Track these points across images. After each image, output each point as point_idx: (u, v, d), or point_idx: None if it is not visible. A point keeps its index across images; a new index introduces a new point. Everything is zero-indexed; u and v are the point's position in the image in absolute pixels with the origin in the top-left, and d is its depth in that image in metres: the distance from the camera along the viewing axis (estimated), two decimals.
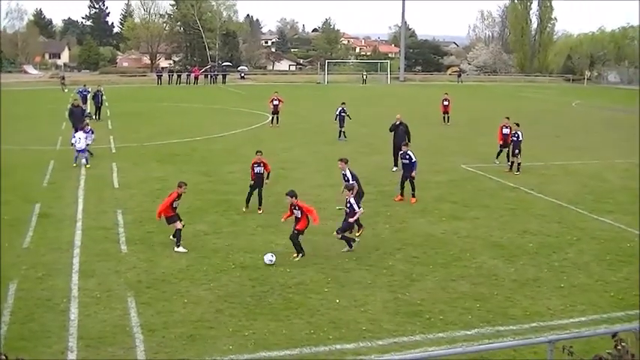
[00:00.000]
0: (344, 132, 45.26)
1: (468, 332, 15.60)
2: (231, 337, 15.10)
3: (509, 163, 34.67)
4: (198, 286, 18.08)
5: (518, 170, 33.83)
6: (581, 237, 23.19)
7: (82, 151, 34.86)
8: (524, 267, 20.10)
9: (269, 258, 19.92)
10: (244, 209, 25.82)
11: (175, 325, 15.67)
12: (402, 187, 28.13)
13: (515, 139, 34.20)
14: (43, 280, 18.39)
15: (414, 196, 27.79)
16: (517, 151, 33.91)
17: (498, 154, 36.38)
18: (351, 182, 22.74)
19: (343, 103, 46.07)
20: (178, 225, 21.16)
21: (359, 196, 22.65)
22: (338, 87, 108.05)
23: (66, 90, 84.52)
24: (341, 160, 24.54)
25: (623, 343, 9.08)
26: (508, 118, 36.57)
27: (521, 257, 20.97)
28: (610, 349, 9.18)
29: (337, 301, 17.29)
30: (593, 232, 23.96)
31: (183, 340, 14.91)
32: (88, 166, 34.52)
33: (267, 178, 26.49)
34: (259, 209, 25.84)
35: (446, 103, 56.00)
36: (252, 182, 26.07)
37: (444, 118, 56.11)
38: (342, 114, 45.46)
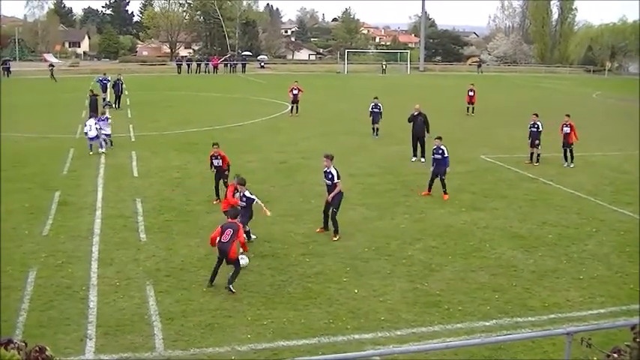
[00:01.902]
0: (377, 129, 42.21)
1: (487, 323, 15.58)
2: (249, 326, 15.14)
3: (530, 155, 34.27)
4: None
5: (537, 161, 33.67)
6: (601, 228, 23.08)
7: (94, 138, 35.09)
8: (543, 258, 20.04)
9: (245, 261, 17.99)
10: (214, 202, 25.48)
11: (194, 314, 15.73)
12: (431, 184, 27.26)
13: (534, 129, 33.90)
14: (62, 268, 18.50)
15: (445, 192, 26.91)
16: (537, 141, 33.67)
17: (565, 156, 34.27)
18: (335, 181, 21.74)
19: (376, 98, 42.70)
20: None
21: (338, 198, 21.88)
22: (358, 77, 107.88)
23: (55, 81, 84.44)
24: (326, 156, 22.29)
25: None
26: (568, 115, 34.46)
27: (540, 248, 20.91)
28: (629, 341, 9.12)
29: (356, 290, 17.30)
30: (612, 223, 23.84)
31: (202, 329, 14.97)
32: (102, 150, 34.97)
33: (228, 170, 25.86)
34: (216, 200, 25.45)
35: (471, 93, 55.57)
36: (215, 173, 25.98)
37: (467, 108, 55.85)
38: (375, 109, 42.20)
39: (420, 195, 27.20)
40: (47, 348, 7.81)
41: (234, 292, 16.99)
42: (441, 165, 26.97)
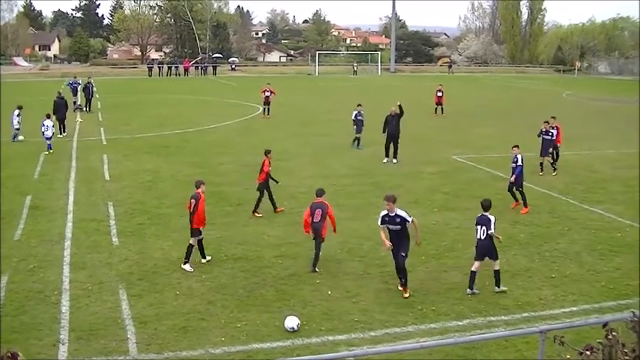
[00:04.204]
0: (359, 139, 38.84)
1: (460, 323, 15.64)
2: (223, 329, 15.11)
3: (540, 164, 32.41)
4: (190, 278, 18.07)
5: (554, 170, 32.35)
6: (572, 227, 23.25)
7: (50, 138, 36.83)
8: (516, 257, 20.15)
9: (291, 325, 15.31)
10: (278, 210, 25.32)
11: (167, 317, 15.67)
12: (513, 194, 26.13)
13: (548, 137, 32.02)
14: (34, 273, 18.36)
15: (525, 205, 25.60)
16: (550, 150, 32.31)
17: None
18: (408, 220, 17.26)
19: (359, 105, 39.83)
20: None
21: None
22: (329, 78, 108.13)
23: None
24: (387, 199, 17.46)
25: (614, 333, 9.09)
26: (554, 117, 33.22)
27: (513, 247, 21.00)
28: (601, 338, 9.20)
29: (329, 292, 17.31)
30: (584, 222, 24.04)
31: (175, 332, 14.91)
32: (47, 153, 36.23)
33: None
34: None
35: (439, 94, 55.73)
36: None
37: (436, 109, 55.98)
38: (359, 117, 39.12)
39: (511, 208, 25.91)
40: (19, 354, 7.76)
41: (317, 272, 18.56)
42: (516, 174, 25.69)
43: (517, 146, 26.15)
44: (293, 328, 15.04)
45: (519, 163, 25.61)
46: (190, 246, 19.09)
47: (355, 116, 39.37)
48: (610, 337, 9.06)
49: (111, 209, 24.94)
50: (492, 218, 17.48)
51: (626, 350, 9.01)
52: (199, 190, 19.48)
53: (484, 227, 17.34)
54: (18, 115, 40.41)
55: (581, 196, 27.71)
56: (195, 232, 19.16)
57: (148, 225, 23.02)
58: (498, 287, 17.45)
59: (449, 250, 20.81)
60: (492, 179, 30.69)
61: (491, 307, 16.47)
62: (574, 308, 16.54)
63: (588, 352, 9.08)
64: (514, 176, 25.69)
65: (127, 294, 17.03)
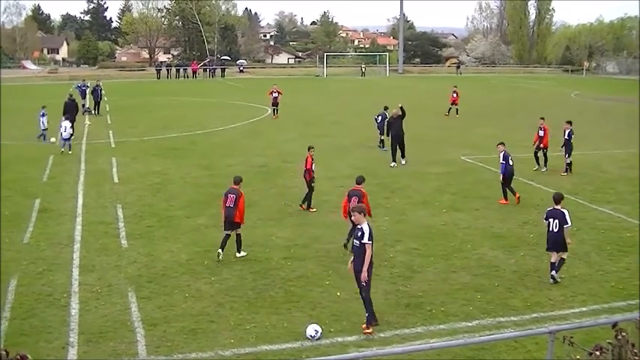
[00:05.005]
0: (384, 141, 38.11)
1: (469, 324, 15.61)
2: (232, 331, 15.11)
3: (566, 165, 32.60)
4: (199, 280, 18.09)
5: (566, 170, 32.53)
6: (581, 227, 23.18)
7: (68, 139, 37.40)
8: (525, 258, 20.11)
9: (312, 333, 14.88)
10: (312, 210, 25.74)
11: (176, 320, 15.68)
12: (508, 190, 26.94)
13: (568, 138, 32.34)
14: (43, 276, 18.40)
15: (506, 198, 26.76)
16: (562, 148, 32.54)
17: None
18: (364, 242, 15.18)
19: (386, 108, 38.66)
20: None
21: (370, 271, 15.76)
22: (337, 80, 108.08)
23: None
24: (354, 210, 16.42)
25: (623, 333, 9.09)
26: (543, 118, 33.30)
27: (522, 248, 20.99)
28: (610, 338, 9.19)
29: (338, 293, 17.30)
30: (592, 222, 23.98)
31: (185, 334, 14.92)
32: (63, 151, 37.02)
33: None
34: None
35: (454, 95, 56.14)
36: None
37: (449, 109, 56.18)
38: (384, 119, 37.97)
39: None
40: (29, 356, 7.78)
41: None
42: (502, 170, 26.76)
43: (502, 143, 26.98)
44: (313, 335, 14.74)
45: (501, 160, 26.53)
46: (239, 235, 20.02)
47: (382, 119, 38.35)
48: (619, 337, 9.06)
49: (120, 212, 24.98)
50: (566, 211, 18.14)
51: (635, 350, 9.01)
52: (238, 187, 20.25)
53: (557, 220, 17.90)
54: (43, 115, 41.01)
55: (590, 196, 27.65)
56: (237, 225, 19.94)
57: (156, 227, 23.05)
58: (556, 273, 18.01)
59: (457, 250, 20.78)
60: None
61: (500, 308, 16.45)
62: (583, 308, 16.50)
63: (598, 353, 9.08)
64: (502, 173, 26.65)
65: (136, 296, 17.05)
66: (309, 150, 25.43)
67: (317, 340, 14.68)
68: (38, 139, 40.61)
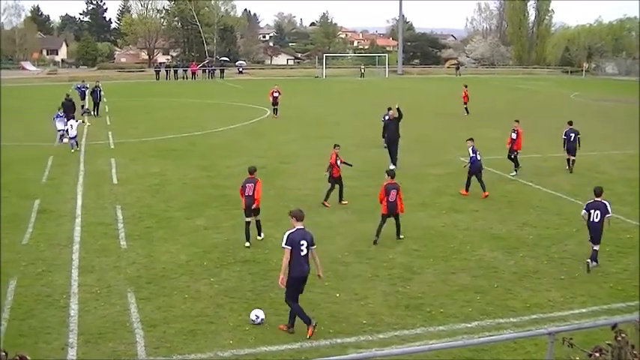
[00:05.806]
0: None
1: (469, 325, 15.61)
2: (231, 332, 15.11)
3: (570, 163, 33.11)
4: (198, 281, 18.09)
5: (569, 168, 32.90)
6: (581, 228, 23.03)
7: (74, 137, 38.12)
8: (524, 259, 20.12)
9: (252, 317, 15.62)
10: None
11: (176, 321, 15.68)
12: (478, 181, 28.21)
13: (565, 137, 32.87)
14: (42, 276, 18.39)
15: (467, 190, 28.23)
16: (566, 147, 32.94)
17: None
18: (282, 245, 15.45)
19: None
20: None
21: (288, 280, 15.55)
22: (336, 81, 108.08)
23: None
24: (293, 215, 15.93)
25: (623, 334, 9.09)
26: (517, 121, 32.71)
27: (521, 249, 20.99)
28: (610, 340, 9.18)
29: (337, 294, 17.30)
30: None
31: (184, 335, 14.92)
32: (73, 150, 37.69)
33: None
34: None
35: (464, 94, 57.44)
36: None
37: (466, 108, 57.39)
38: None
39: None
40: (28, 357, 7.78)
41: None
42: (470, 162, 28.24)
43: (471, 139, 28.61)
44: (253, 320, 15.49)
45: (471, 154, 27.88)
46: (258, 221, 21.58)
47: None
48: (619, 338, 9.05)
49: (119, 213, 24.98)
50: (607, 203, 19.43)
51: (635, 352, 9.00)
52: (253, 176, 21.46)
53: (598, 211, 19.11)
54: (58, 117, 41.08)
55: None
56: (257, 211, 21.44)
57: (155, 228, 23.04)
58: (593, 261, 19.12)
59: (457, 252, 20.78)
60: (499, 180, 30.65)
61: (499, 310, 16.45)
62: (583, 310, 16.51)
63: (597, 354, 9.08)
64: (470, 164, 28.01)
65: (135, 297, 17.04)
66: (334, 147, 26.67)
67: (258, 324, 15.35)
68: (60, 141, 40.40)
